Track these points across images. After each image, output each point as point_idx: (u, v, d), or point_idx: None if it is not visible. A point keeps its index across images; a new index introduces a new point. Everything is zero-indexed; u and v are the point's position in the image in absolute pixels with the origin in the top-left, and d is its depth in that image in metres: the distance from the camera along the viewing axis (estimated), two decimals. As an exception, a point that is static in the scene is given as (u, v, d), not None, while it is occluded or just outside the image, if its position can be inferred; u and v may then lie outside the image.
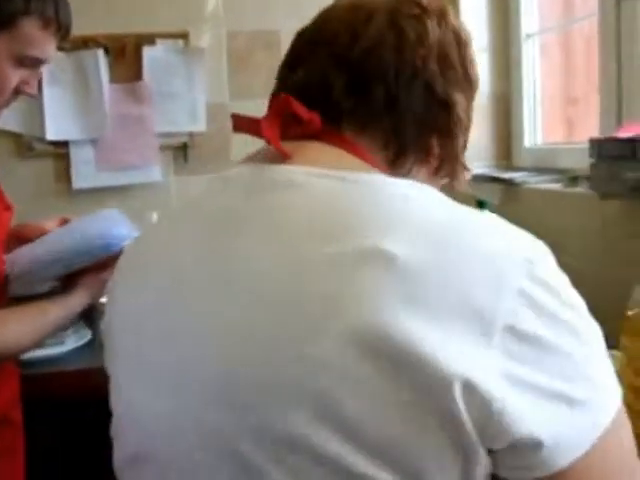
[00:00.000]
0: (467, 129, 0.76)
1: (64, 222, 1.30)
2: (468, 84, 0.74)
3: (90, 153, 2.18)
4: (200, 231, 0.63)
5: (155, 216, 1.80)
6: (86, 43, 2.14)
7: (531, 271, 0.51)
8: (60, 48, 1.20)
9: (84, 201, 2.16)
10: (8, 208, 1.25)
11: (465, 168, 0.79)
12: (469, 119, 0.75)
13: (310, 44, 0.71)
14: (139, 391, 0.62)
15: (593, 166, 1.56)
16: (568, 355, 0.51)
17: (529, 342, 0.49)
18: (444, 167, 0.72)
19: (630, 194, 1.43)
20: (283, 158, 0.64)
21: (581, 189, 1.75)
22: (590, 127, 1.93)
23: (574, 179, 1.85)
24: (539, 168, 2.18)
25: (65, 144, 2.17)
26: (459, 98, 0.72)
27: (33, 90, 1.19)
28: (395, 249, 0.51)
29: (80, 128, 2.15)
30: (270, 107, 0.68)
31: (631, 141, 1.44)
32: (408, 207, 0.56)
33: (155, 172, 2.22)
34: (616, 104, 1.79)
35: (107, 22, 2.16)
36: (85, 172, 2.18)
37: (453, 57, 0.72)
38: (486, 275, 0.50)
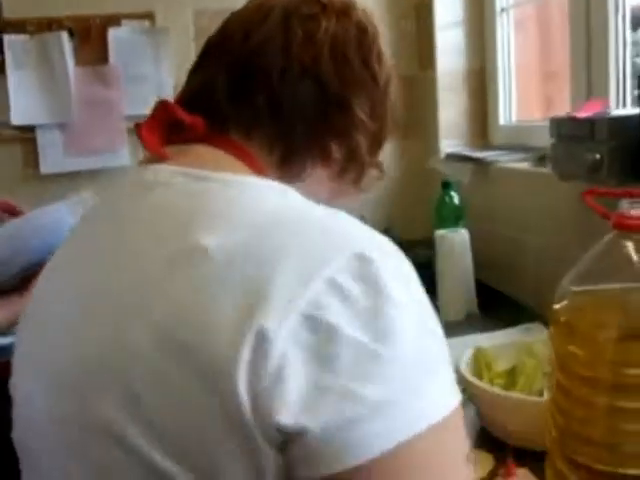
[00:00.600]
0: (380, 130, 0.73)
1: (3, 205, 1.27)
2: (374, 83, 0.71)
3: (57, 137, 2.14)
4: (88, 231, 0.66)
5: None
6: (50, 26, 2.09)
7: (356, 267, 0.49)
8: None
9: (52, 186, 2.13)
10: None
11: (380, 170, 0.77)
12: (379, 119, 0.72)
13: (210, 46, 0.72)
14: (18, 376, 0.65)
15: (553, 146, 1.52)
16: (371, 353, 0.47)
17: (327, 333, 0.47)
18: (350, 170, 0.69)
19: (588, 176, 1.39)
20: (162, 160, 0.63)
21: (546, 169, 1.70)
22: (569, 104, 1.87)
23: (542, 158, 1.81)
24: (514, 146, 2.13)
25: (32, 129, 2.13)
26: (359, 98, 0.69)
27: None
28: (210, 242, 0.51)
29: (46, 112, 2.11)
30: (152, 112, 0.66)
31: (589, 121, 1.39)
32: (242, 203, 0.55)
33: (124, 156, 2.18)
34: (586, 80, 1.74)
35: (71, 4, 2.11)
36: (53, 157, 2.14)
37: (351, 55, 0.68)
38: (300, 265, 0.49)
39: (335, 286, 0.48)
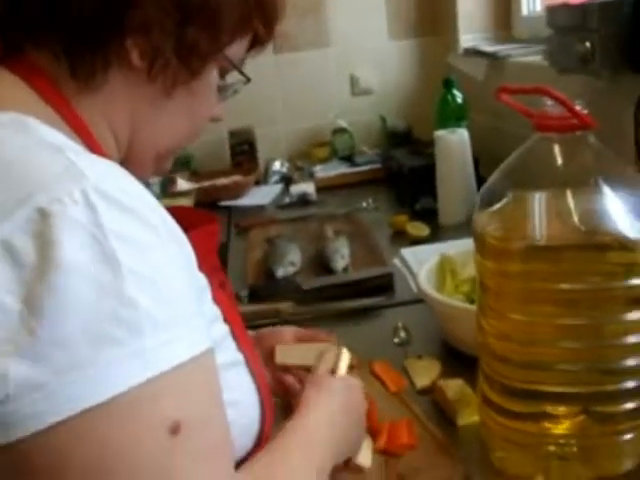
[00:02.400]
0: (193, 15, 0.59)
1: None
2: None
3: None
4: None
5: None
6: None
7: (35, 223, 0.44)
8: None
9: None
10: None
11: (229, 69, 0.67)
12: (186, 5, 0.59)
13: None
14: None
15: (548, 38, 1.38)
16: (25, 327, 0.42)
17: (13, 260, 0.43)
18: (160, 73, 0.60)
19: (581, 67, 1.26)
20: None
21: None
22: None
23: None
24: (539, 39, 1.96)
25: None
26: None
27: None
28: None
29: None
30: None
31: (581, 8, 1.25)
32: None
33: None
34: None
35: None
36: None
37: None
38: (16, 193, 0.45)
39: (9, 249, 0.43)
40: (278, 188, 2.13)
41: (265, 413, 0.64)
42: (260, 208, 1.99)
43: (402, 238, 1.59)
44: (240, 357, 0.63)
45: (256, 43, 0.69)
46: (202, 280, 0.59)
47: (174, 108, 0.64)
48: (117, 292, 0.44)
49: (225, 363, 0.59)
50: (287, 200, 2.00)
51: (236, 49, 0.66)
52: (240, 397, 0.61)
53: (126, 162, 0.64)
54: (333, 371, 0.76)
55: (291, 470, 0.60)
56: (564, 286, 0.72)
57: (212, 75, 0.65)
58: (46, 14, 0.56)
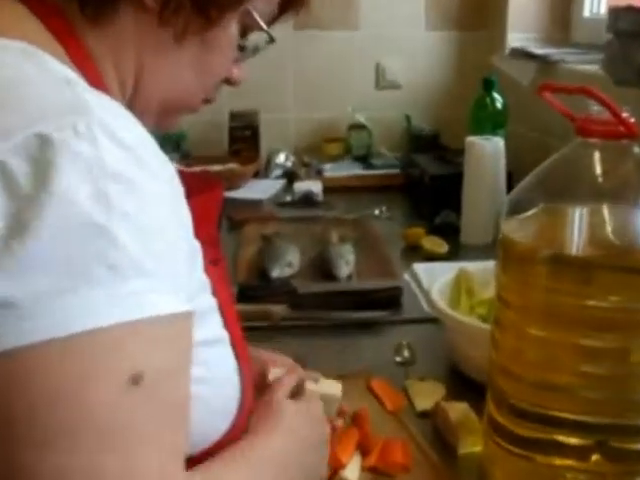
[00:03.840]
0: None
1: None
2: None
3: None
4: None
5: None
6: None
7: (33, 148, 0.49)
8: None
9: None
10: None
11: (252, 28, 0.73)
12: None
13: None
14: None
15: (608, 44, 1.46)
16: (7, 246, 0.48)
17: (5, 181, 0.48)
18: (172, 17, 0.66)
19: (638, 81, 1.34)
20: None
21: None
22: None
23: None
24: (599, 44, 2.04)
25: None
26: None
27: None
28: None
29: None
30: None
31: (646, 13, 1.33)
32: None
33: None
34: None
35: None
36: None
37: None
38: (17, 117, 0.51)
39: (2, 169, 0.49)
40: (280, 184, 2.20)
41: (244, 396, 0.70)
42: (257, 203, 2.06)
43: (416, 253, 1.66)
44: (225, 335, 0.69)
45: (288, 6, 0.76)
46: (196, 245, 0.65)
47: (183, 58, 0.70)
48: (107, 233, 0.50)
49: (208, 339, 0.65)
50: (289, 198, 2.07)
51: (262, 5, 0.72)
52: (219, 375, 0.68)
53: (129, 109, 0.71)
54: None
55: None
56: (591, 303, 0.78)
57: (231, 29, 0.71)
58: None
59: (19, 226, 0.48)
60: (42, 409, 0.49)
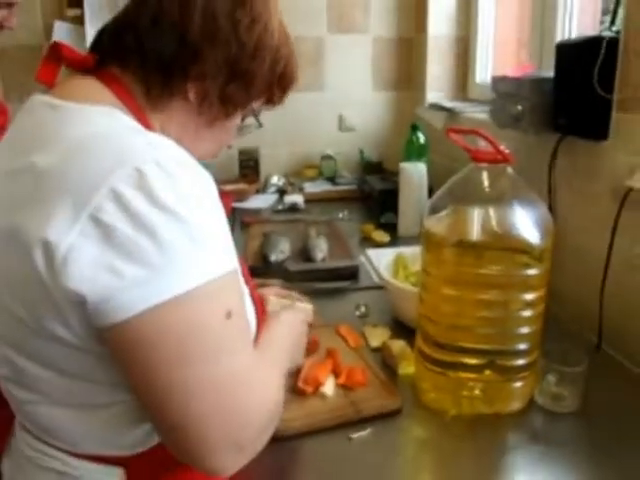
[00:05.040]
0: (241, 85, 0.68)
1: None
2: (238, 44, 0.66)
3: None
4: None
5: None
6: (118, -19, 2.09)
7: (134, 178, 0.50)
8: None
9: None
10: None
11: (253, 119, 0.75)
12: (240, 75, 0.68)
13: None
14: None
15: (492, 100, 1.49)
16: (135, 240, 0.50)
17: (105, 228, 0.49)
18: (206, 110, 0.68)
19: (514, 125, 1.38)
20: (48, 88, 0.64)
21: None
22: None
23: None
24: (486, 100, 2.08)
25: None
26: (215, 52, 0.65)
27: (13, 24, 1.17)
28: (37, 159, 0.54)
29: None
30: (46, 52, 0.66)
31: (516, 80, 1.36)
32: (66, 126, 0.56)
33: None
34: (539, 47, 1.69)
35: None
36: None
37: (221, 19, 0.65)
38: (92, 178, 0.51)
39: (115, 194, 0.49)
40: (274, 197, 2.19)
41: (258, 326, 0.72)
42: (259, 211, 2.05)
43: (368, 242, 1.66)
44: (246, 289, 0.70)
45: (269, 102, 0.77)
46: None
47: (210, 135, 0.72)
48: (198, 228, 0.52)
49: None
50: (281, 207, 2.06)
51: (256, 103, 0.75)
52: (248, 309, 0.70)
53: None
54: None
55: (272, 355, 0.70)
56: (483, 271, 0.82)
57: (237, 117, 0.74)
58: (138, 50, 0.64)
59: (148, 231, 0.50)
60: (184, 345, 0.51)
